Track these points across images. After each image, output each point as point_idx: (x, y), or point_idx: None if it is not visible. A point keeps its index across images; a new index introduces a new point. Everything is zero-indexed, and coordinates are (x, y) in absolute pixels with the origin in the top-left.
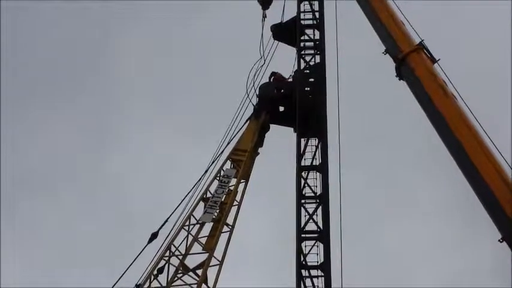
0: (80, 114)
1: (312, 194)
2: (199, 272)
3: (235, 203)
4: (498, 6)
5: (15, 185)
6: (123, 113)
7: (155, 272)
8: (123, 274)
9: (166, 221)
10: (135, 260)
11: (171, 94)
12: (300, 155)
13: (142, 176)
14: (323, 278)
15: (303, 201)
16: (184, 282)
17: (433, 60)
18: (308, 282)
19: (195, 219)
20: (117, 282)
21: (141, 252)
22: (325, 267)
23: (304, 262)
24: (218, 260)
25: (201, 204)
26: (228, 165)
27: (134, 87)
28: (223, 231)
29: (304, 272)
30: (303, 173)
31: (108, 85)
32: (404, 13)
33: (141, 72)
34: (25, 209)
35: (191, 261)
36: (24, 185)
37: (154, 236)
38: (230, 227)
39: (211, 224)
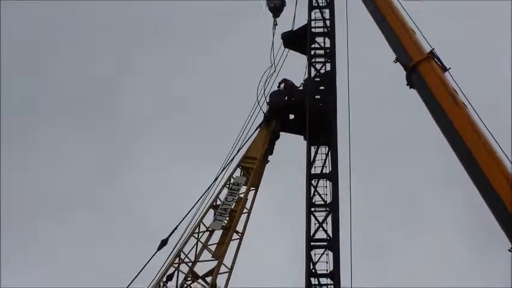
0: (97, 136)
1: (322, 202)
2: (209, 279)
3: (245, 210)
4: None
5: (32, 206)
6: (137, 134)
7: (164, 279)
8: (132, 282)
9: (175, 228)
10: (144, 267)
11: (180, 108)
12: (310, 163)
13: (158, 196)
14: (332, 286)
15: (312, 209)
16: None
17: (444, 69)
18: None
19: (205, 226)
20: None
21: (150, 259)
22: (334, 275)
23: (313, 270)
24: (227, 268)
25: (211, 211)
26: (238, 172)
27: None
28: (232, 238)
29: (313, 280)
30: (312, 181)
31: (125, 107)
32: (413, 16)
33: (157, 93)
34: (41, 230)
35: (200, 269)
36: (39, 207)
37: (164, 243)
38: (240, 234)
39: (221, 231)
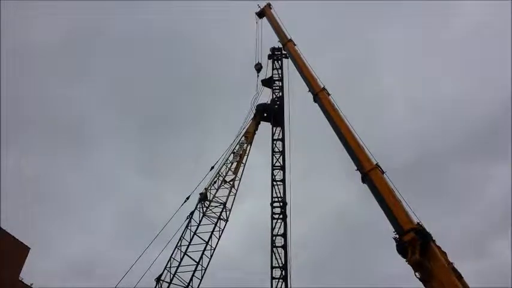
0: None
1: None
2: (232, 183)
3: (244, 160)
4: None
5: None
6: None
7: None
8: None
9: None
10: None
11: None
12: (272, 137)
13: None
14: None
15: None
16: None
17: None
18: None
19: (226, 165)
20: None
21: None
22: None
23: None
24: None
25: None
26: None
27: None
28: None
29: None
30: (274, 148)
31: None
32: None
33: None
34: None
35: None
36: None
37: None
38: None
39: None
